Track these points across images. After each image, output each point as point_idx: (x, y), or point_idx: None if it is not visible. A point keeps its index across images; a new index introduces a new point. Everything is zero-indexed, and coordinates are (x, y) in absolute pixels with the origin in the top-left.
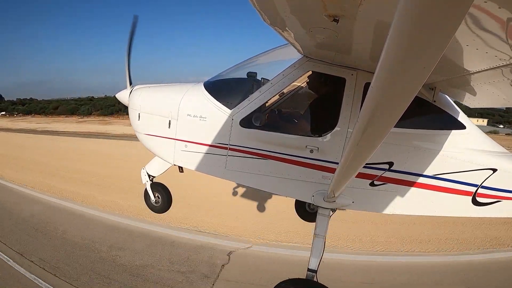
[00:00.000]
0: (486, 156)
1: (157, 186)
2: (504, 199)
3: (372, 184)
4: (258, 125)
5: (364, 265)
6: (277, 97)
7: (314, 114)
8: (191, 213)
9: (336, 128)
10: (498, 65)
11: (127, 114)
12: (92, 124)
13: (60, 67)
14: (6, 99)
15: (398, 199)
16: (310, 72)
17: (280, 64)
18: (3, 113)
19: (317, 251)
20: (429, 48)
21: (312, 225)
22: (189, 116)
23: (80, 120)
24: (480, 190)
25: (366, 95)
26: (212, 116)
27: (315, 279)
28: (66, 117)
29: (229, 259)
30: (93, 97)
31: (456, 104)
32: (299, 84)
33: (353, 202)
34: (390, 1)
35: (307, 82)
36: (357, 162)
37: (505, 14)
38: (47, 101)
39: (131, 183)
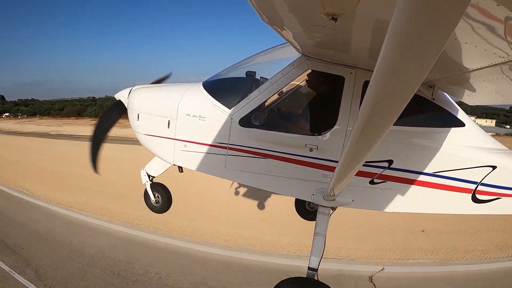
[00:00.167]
0: (486, 153)
1: (157, 186)
2: (504, 196)
3: (372, 182)
4: (257, 124)
5: None
6: (276, 96)
7: (313, 112)
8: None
9: (336, 127)
10: (497, 63)
11: None
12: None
13: (59, 67)
14: (7, 100)
15: (398, 197)
16: (309, 71)
17: (279, 63)
18: (7, 114)
19: (317, 250)
20: (428, 46)
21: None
22: (188, 116)
23: (93, 122)
24: (480, 187)
25: (365, 93)
26: (211, 116)
27: (315, 278)
28: (76, 119)
29: (374, 286)
30: (94, 97)
31: (460, 103)
32: (298, 83)
33: (353, 201)
34: None
35: (306, 81)
36: (356, 160)
37: (503, 11)
38: (50, 101)
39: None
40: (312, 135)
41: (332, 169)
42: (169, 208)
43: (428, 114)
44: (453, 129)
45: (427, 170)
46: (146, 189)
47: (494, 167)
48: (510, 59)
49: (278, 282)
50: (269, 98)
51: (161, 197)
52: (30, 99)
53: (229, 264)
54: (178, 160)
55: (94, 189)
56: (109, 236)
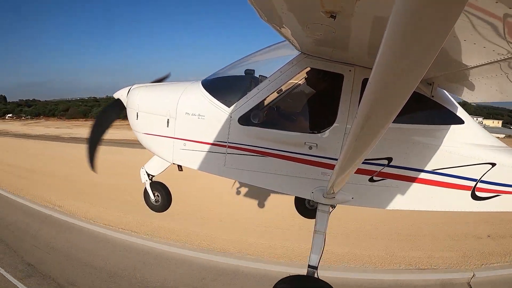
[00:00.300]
0: (485, 151)
1: (157, 185)
2: (503, 193)
3: (371, 180)
4: (256, 122)
5: None
6: (275, 94)
7: (313, 110)
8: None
9: (335, 124)
10: (495, 60)
11: None
12: (119, 129)
13: (59, 67)
14: (8, 101)
15: (397, 195)
16: (308, 69)
17: (277, 61)
18: (10, 115)
19: (317, 248)
20: (427, 43)
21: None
22: (188, 114)
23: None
24: (479, 185)
25: (364, 91)
26: (210, 114)
27: (315, 275)
28: (85, 120)
29: None
30: (95, 97)
31: (463, 104)
32: (297, 81)
33: (352, 198)
34: None
35: (305, 79)
36: (356, 158)
37: (502, 9)
38: (52, 102)
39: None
40: (311, 133)
41: (331, 167)
42: (169, 206)
43: (427, 111)
44: (452, 126)
45: (426, 167)
46: (145, 188)
47: (493, 164)
48: (509, 56)
49: (278, 280)
50: (268, 96)
51: (160, 196)
52: (31, 99)
53: None
54: (177, 158)
55: (134, 202)
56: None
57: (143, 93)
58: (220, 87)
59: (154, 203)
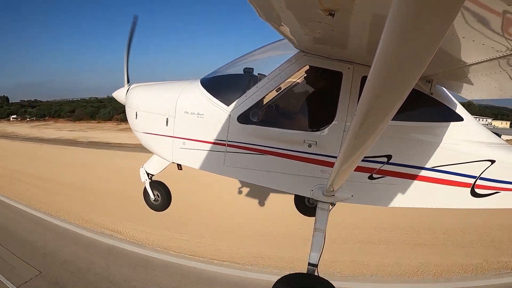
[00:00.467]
0: (484, 148)
1: (156, 184)
2: (503, 190)
3: (371, 178)
4: (255, 120)
5: None
6: (274, 92)
7: (312, 108)
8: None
9: (334, 122)
10: (494, 57)
11: None
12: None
13: (59, 68)
14: (10, 101)
15: (397, 192)
16: (306, 67)
17: (276, 59)
18: (14, 116)
19: (317, 246)
20: (426, 40)
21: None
22: (187, 113)
23: (120, 127)
24: (479, 182)
25: (363, 89)
26: (209, 113)
27: (316, 273)
28: (97, 122)
29: None
30: (97, 98)
31: (468, 105)
32: (296, 79)
33: (352, 196)
34: None
35: (304, 77)
36: (355, 156)
37: (501, 5)
38: (56, 102)
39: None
40: (310, 131)
41: (331, 164)
42: (169, 206)
43: (427, 108)
44: (451, 123)
45: (426, 164)
46: (145, 187)
47: (492, 161)
48: (508, 53)
49: (278, 278)
50: (267, 94)
51: (160, 195)
52: (33, 100)
53: None
54: (176, 157)
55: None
56: None
57: (142, 92)
58: (219, 85)
59: (154, 202)
